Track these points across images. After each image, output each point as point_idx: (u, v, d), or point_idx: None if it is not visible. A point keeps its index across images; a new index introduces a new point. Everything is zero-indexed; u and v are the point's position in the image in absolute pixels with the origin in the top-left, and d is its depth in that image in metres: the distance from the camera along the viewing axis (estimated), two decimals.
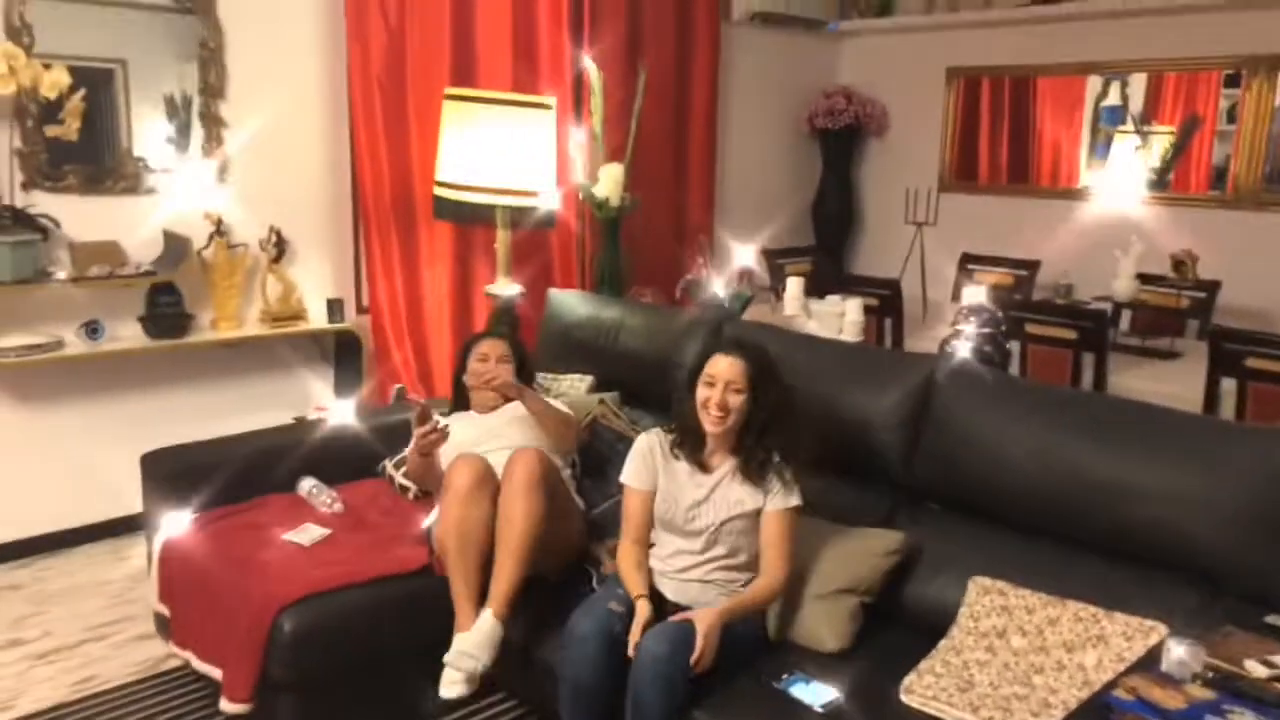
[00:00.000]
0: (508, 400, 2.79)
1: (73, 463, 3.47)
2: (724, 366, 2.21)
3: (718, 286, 3.41)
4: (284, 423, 3.35)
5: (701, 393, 2.22)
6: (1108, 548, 2.20)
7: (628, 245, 4.01)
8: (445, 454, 2.57)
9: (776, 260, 5.00)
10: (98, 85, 3.30)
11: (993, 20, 5.45)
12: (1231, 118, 4.82)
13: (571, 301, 3.52)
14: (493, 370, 2.80)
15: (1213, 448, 2.12)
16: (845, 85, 5.97)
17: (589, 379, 3.26)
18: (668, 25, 4.90)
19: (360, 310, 4.12)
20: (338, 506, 2.75)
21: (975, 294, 2.83)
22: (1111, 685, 1.74)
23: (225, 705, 2.26)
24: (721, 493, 2.25)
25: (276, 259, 3.79)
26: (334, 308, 3.90)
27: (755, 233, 5.09)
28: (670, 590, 2.27)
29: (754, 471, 2.25)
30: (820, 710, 1.98)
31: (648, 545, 2.33)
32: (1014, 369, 3.53)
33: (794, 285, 3.41)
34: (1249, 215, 4.71)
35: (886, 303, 4.10)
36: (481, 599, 2.26)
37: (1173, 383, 3.47)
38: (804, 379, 2.68)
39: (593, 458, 2.94)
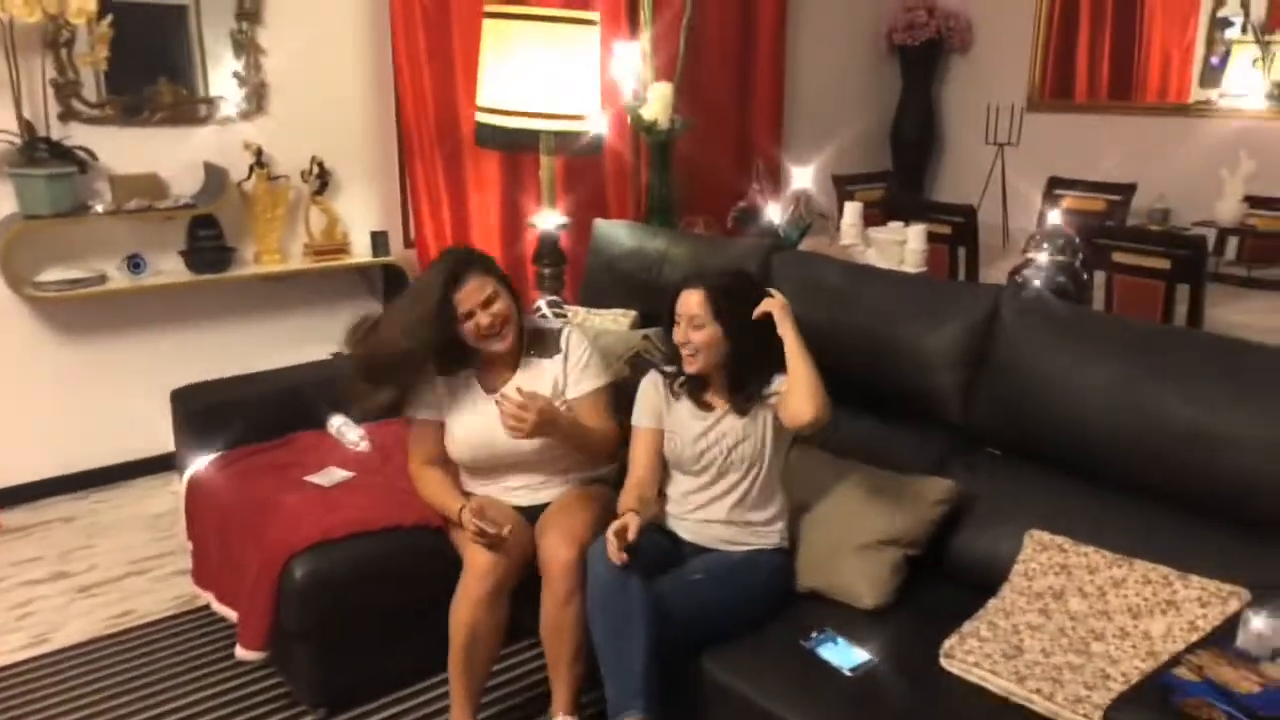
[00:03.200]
0: (521, 354, 2.29)
1: (119, 398, 3.49)
2: (683, 302, 2.09)
3: (773, 215, 3.18)
4: (322, 358, 3.28)
5: (675, 334, 2.11)
6: (1187, 502, 1.96)
7: (684, 172, 3.79)
8: (453, 439, 2.27)
9: (846, 186, 4.71)
10: (128, 12, 3.21)
11: None
12: None
13: (617, 232, 3.34)
14: (489, 319, 2.17)
15: None
16: None
17: (632, 314, 3.09)
18: None
19: (407, 243, 4.02)
20: (364, 445, 2.68)
21: (1052, 218, 2.53)
22: (1175, 661, 1.53)
23: (240, 652, 2.22)
24: (723, 428, 2.12)
25: (319, 191, 3.70)
26: (379, 241, 3.81)
27: (825, 157, 4.80)
28: (687, 531, 2.16)
29: (751, 402, 2.11)
30: (849, 674, 1.82)
31: (652, 487, 2.20)
32: (1098, 302, 3.23)
33: (851, 213, 3.15)
34: None
35: (960, 230, 3.80)
36: (477, 700, 2.10)
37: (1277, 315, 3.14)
38: (856, 312, 2.48)
39: (633, 393, 2.78)
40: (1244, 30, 4.76)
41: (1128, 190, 4.47)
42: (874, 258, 3.05)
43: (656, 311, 3.05)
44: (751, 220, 3.24)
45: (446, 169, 3.92)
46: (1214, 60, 4.87)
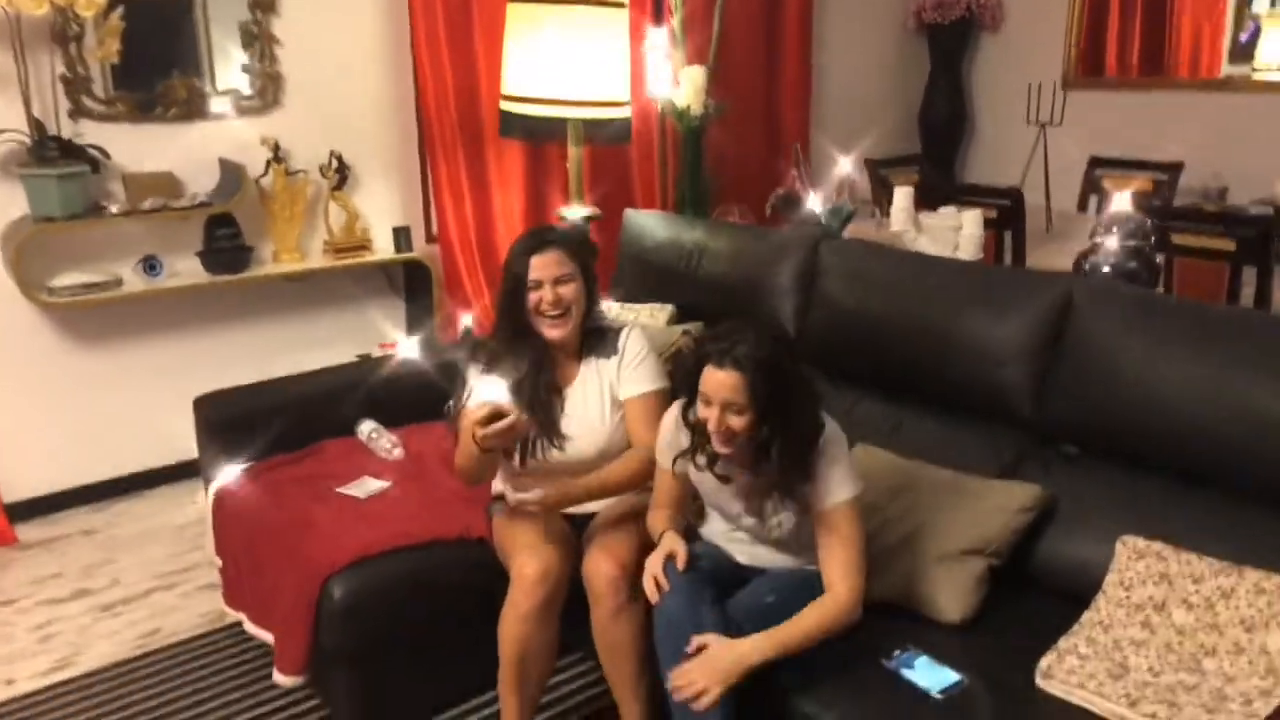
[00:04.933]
0: (581, 356, 2.15)
1: (137, 405, 3.37)
2: (718, 384, 1.74)
3: (814, 201, 3.03)
4: (348, 361, 3.15)
5: (701, 409, 1.79)
6: None
7: (713, 159, 3.65)
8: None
9: (880, 170, 4.55)
10: (134, 4, 3.07)
11: None
12: None
13: (650, 223, 3.20)
14: (554, 297, 2.05)
15: None
16: None
17: (669, 308, 2.95)
18: None
19: (430, 239, 3.88)
20: (398, 453, 2.54)
21: (1121, 201, 2.38)
22: None
23: (278, 678, 2.10)
24: (754, 507, 1.89)
25: (338, 186, 3.57)
26: (401, 236, 3.67)
27: (856, 140, 4.64)
28: (742, 554, 1.98)
29: (788, 486, 1.83)
30: (939, 697, 1.68)
31: (682, 513, 2.04)
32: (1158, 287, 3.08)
33: (902, 197, 3.00)
34: None
35: (1006, 214, 3.65)
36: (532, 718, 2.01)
37: None
38: (915, 304, 2.34)
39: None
40: (1274, 4, 4.60)
41: (1174, 169, 4.30)
42: (926, 245, 2.91)
43: (694, 305, 2.93)
44: (791, 208, 3.09)
45: (469, 161, 3.78)
46: (1243, 36, 4.71)
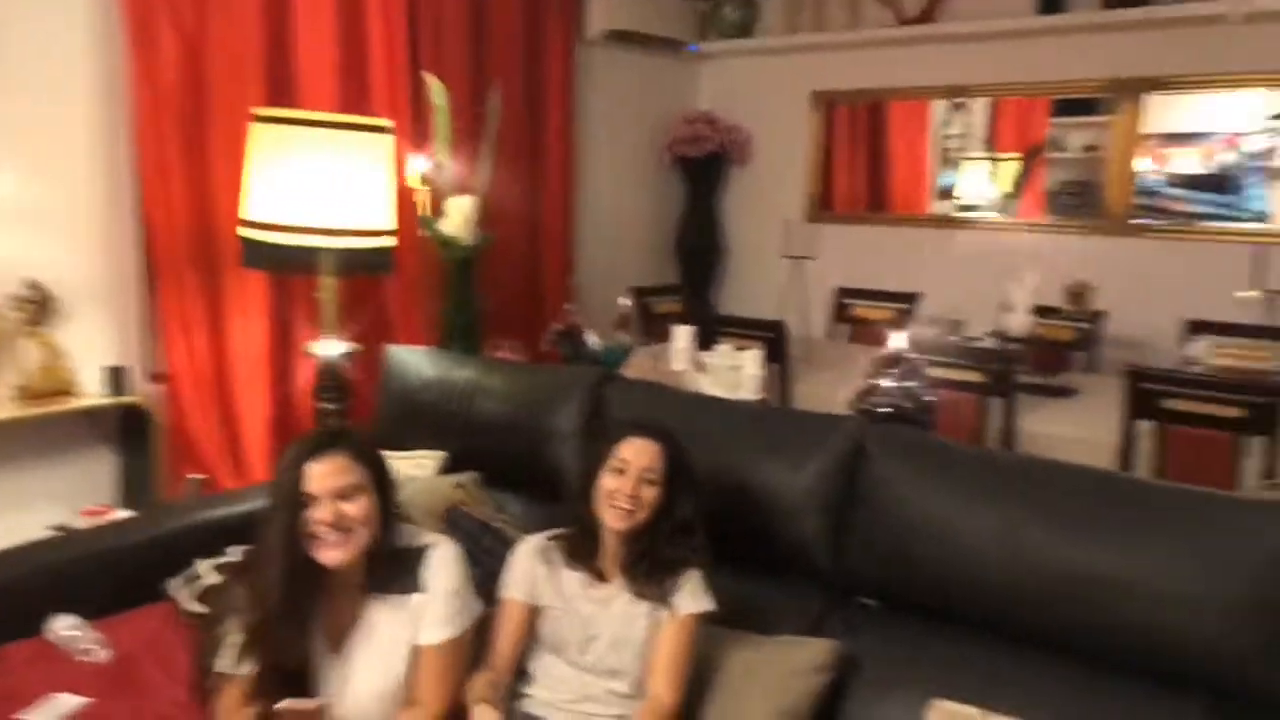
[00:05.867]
0: (369, 590, 1.77)
1: None
2: (638, 450, 1.86)
3: (591, 337, 2.90)
4: (38, 536, 2.59)
5: (609, 482, 1.85)
6: (1090, 652, 1.81)
7: (482, 292, 3.46)
8: None
9: (643, 299, 4.55)
10: None
11: (860, 41, 5.22)
12: (1056, 145, 4.87)
13: (416, 360, 2.93)
14: (333, 515, 1.67)
15: (1199, 525, 1.76)
16: (707, 110, 5.62)
17: (439, 455, 2.67)
18: (516, 42, 4.40)
19: (152, 379, 3.37)
20: (102, 655, 2.06)
21: (895, 340, 2.43)
22: None
23: None
24: (622, 606, 1.86)
25: (36, 320, 3.03)
26: (116, 377, 3.16)
27: (619, 272, 4.65)
28: (559, 715, 1.83)
29: (657, 580, 1.86)
30: None
31: (511, 673, 1.87)
32: None
33: (683, 335, 2.94)
34: (1122, 241, 4.60)
35: (771, 346, 3.70)
36: None
37: (1081, 425, 3.22)
38: (705, 451, 2.21)
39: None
40: (972, 147, 5.17)
41: (912, 299, 4.61)
42: (708, 385, 2.85)
43: (469, 450, 2.68)
44: (570, 343, 2.95)
45: (204, 289, 3.36)
46: (946, 178, 5.24)
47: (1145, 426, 2.99)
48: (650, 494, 1.84)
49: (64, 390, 3.07)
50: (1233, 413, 2.73)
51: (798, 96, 5.46)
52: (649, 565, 1.86)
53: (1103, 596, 1.75)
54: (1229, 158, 4.39)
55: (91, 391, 3.15)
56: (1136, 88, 4.50)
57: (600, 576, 1.90)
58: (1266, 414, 2.68)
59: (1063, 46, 4.65)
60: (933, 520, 1.95)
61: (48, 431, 3.13)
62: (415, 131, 3.65)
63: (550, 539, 1.97)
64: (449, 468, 2.63)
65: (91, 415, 3.20)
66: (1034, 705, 1.73)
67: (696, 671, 1.90)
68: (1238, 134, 4.36)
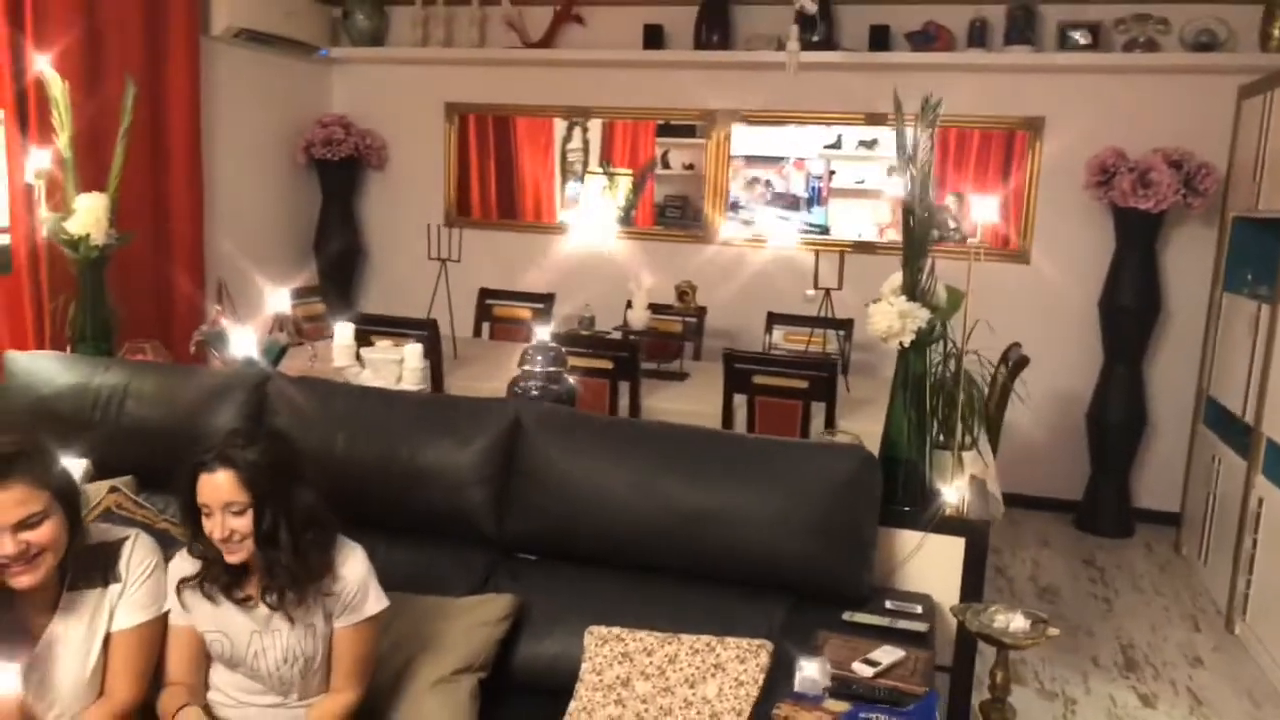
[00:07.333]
0: (58, 601, 1.74)
1: None
2: (214, 488, 1.73)
3: (243, 337, 2.92)
4: None
5: (205, 525, 1.76)
6: (710, 574, 2.27)
7: (115, 293, 3.29)
8: None
9: (293, 301, 4.52)
10: None
11: (487, 59, 5.56)
12: (665, 163, 5.56)
13: (44, 366, 2.78)
14: (15, 549, 1.62)
15: (782, 466, 2.28)
16: (342, 114, 5.66)
17: (82, 464, 2.57)
18: (134, 31, 4.17)
19: None
20: None
21: (540, 333, 2.78)
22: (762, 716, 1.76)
23: None
24: (278, 626, 1.84)
25: None
26: None
27: (254, 273, 4.57)
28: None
29: (310, 592, 1.84)
30: None
31: (200, 689, 1.89)
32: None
33: (345, 332, 3.06)
34: (716, 248, 5.40)
35: (425, 344, 3.91)
36: None
37: (692, 401, 3.80)
38: (375, 439, 2.42)
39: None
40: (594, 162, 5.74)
41: (549, 299, 5.04)
42: (370, 378, 2.99)
43: (118, 456, 2.61)
44: (220, 344, 2.94)
45: None
46: (570, 189, 5.77)
47: (740, 399, 3.62)
48: (243, 523, 1.73)
49: None
50: (801, 384, 3.42)
51: (432, 106, 5.70)
52: (289, 579, 1.78)
53: (717, 526, 2.22)
54: (798, 179, 5.33)
55: None
56: (727, 118, 5.31)
57: (249, 601, 1.84)
58: (825, 384, 3.40)
59: (664, 78, 5.34)
60: (580, 480, 2.32)
61: None
62: (40, 125, 3.38)
63: (197, 570, 1.85)
64: (93, 475, 2.55)
65: None
66: (672, 621, 2.15)
67: (388, 638, 2.08)
68: (803, 159, 5.31)
